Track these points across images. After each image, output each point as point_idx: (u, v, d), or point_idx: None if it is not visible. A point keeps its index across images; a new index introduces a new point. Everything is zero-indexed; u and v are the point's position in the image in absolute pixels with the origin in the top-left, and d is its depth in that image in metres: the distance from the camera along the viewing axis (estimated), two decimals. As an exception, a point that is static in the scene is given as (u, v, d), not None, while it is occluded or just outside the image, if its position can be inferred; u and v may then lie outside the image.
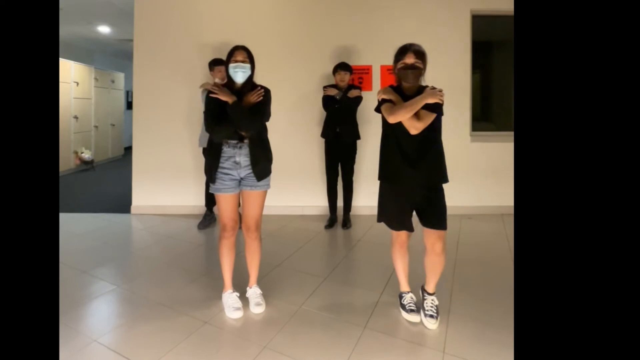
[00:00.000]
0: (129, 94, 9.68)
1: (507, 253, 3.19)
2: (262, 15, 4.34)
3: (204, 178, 3.92)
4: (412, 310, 2.18)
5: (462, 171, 4.25)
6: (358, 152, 3.89)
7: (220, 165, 2.19)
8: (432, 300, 2.18)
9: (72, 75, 7.01)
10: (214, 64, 3.70)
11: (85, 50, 8.34)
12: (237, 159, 2.19)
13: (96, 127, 7.87)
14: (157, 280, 2.70)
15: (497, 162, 4.26)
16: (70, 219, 4.13)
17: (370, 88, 4.25)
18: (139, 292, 2.50)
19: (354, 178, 3.92)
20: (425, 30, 4.24)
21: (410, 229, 2.14)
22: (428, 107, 1.94)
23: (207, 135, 2.26)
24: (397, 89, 2.08)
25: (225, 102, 2.12)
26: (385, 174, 2.11)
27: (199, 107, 3.82)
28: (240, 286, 2.42)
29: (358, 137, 3.84)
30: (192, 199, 4.35)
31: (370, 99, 3.65)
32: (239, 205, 2.31)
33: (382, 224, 2.20)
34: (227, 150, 2.19)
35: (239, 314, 2.21)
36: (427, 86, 2.04)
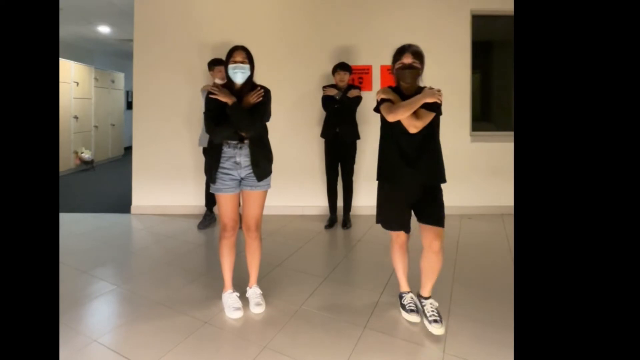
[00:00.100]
0: (129, 94, 9.68)
1: (507, 253, 3.19)
2: (262, 15, 4.34)
3: (204, 178, 3.92)
4: (412, 310, 2.18)
5: (462, 171, 4.25)
6: (358, 152, 3.89)
7: (221, 165, 2.19)
8: (432, 303, 2.13)
9: (72, 75, 7.01)
10: (214, 64, 3.70)
11: (85, 50, 8.34)
12: (238, 159, 2.19)
13: (96, 127, 7.87)
14: (157, 280, 2.70)
15: (497, 162, 4.26)
16: (70, 219, 4.13)
17: (370, 88, 4.25)
18: (139, 292, 2.50)
19: (354, 178, 3.92)
20: (425, 30, 4.25)
21: (407, 229, 2.14)
22: (427, 107, 1.95)
23: (207, 135, 2.26)
24: (396, 90, 2.08)
25: (225, 103, 2.12)
26: (384, 173, 2.12)
27: (199, 107, 3.82)
28: (240, 286, 2.42)
29: (358, 137, 3.84)
30: (192, 199, 4.35)
31: (370, 99, 3.65)
32: (239, 205, 2.31)
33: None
34: (227, 151, 2.19)
35: (239, 314, 2.21)
36: (425, 87, 2.05)
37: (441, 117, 2.07)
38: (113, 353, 1.89)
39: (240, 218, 2.31)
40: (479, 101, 4.68)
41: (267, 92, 2.22)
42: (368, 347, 1.95)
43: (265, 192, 2.28)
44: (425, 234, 2.06)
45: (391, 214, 2.13)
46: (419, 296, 2.20)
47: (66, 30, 6.68)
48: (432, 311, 2.10)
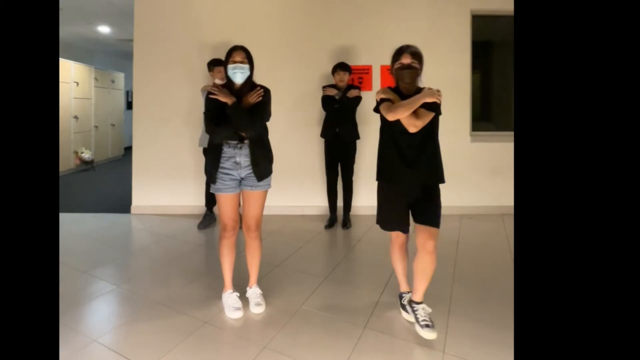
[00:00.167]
0: (129, 94, 9.68)
1: (507, 253, 3.19)
2: (261, 15, 4.34)
3: (204, 178, 3.92)
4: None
5: (462, 171, 4.25)
6: (358, 152, 3.89)
7: (221, 165, 2.19)
8: (424, 308, 2.07)
9: (72, 75, 7.01)
10: (213, 64, 3.70)
11: (85, 50, 8.34)
12: (238, 159, 2.19)
13: (96, 127, 7.87)
14: (157, 280, 2.70)
15: (497, 162, 4.26)
16: (70, 219, 4.13)
17: (370, 88, 4.25)
18: (139, 292, 2.50)
19: (354, 178, 3.92)
20: (425, 30, 4.25)
21: (405, 229, 2.13)
22: (426, 107, 1.95)
23: (207, 135, 2.26)
24: (395, 91, 2.09)
25: (225, 103, 2.12)
26: (383, 174, 2.12)
27: (199, 107, 3.82)
28: (240, 286, 2.42)
29: (357, 137, 3.84)
30: (192, 199, 4.35)
31: (370, 99, 3.65)
32: (240, 205, 2.31)
33: None
34: (227, 151, 2.19)
35: (239, 314, 2.21)
36: (425, 87, 2.05)
37: (441, 117, 2.07)
38: (113, 353, 1.89)
39: (240, 218, 2.31)
40: (479, 101, 4.68)
41: (266, 92, 2.22)
42: (368, 347, 1.95)
43: (266, 192, 2.28)
44: (419, 234, 2.03)
45: (390, 214, 2.13)
46: (411, 301, 2.13)
47: (66, 30, 6.68)
48: (425, 316, 2.04)
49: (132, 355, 1.87)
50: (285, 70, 4.29)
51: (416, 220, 2.06)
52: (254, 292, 2.34)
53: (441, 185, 2.10)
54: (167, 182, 4.37)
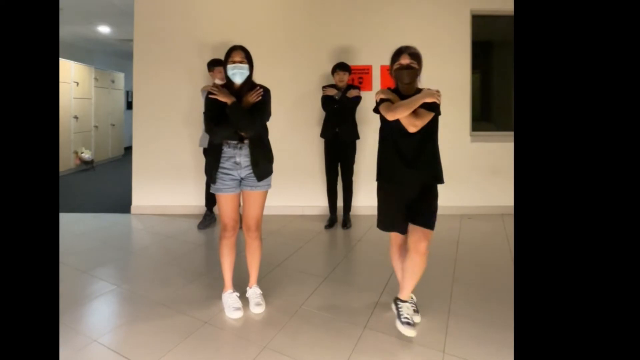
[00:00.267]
0: (129, 94, 9.68)
1: (507, 253, 3.19)
2: (261, 15, 4.34)
3: (204, 178, 3.92)
4: (413, 311, 2.18)
5: (462, 171, 4.25)
6: (357, 152, 3.89)
7: (221, 165, 2.19)
8: (407, 307, 2.09)
9: (72, 75, 7.01)
10: (213, 64, 3.70)
11: (85, 50, 8.34)
12: (238, 160, 2.19)
13: (96, 127, 7.87)
14: (157, 280, 2.70)
15: (497, 162, 4.26)
16: (70, 219, 4.13)
17: (370, 88, 4.25)
18: (139, 292, 2.50)
19: (354, 178, 3.92)
20: (425, 30, 4.25)
21: (404, 230, 2.13)
22: (426, 107, 1.96)
23: (207, 135, 2.26)
24: (395, 92, 2.10)
25: (225, 103, 2.12)
26: (383, 174, 2.12)
27: (199, 107, 3.82)
28: (240, 286, 2.42)
29: (357, 137, 3.84)
30: (192, 199, 4.35)
31: (369, 99, 3.65)
32: (240, 205, 2.31)
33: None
34: (227, 151, 2.19)
35: (239, 314, 2.21)
36: (424, 88, 2.06)
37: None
38: (113, 353, 1.89)
39: (240, 218, 2.31)
40: (479, 101, 4.68)
41: (266, 92, 2.22)
42: (368, 347, 1.95)
43: (266, 192, 2.28)
44: (412, 234, 2.02)
45: (389, 215, 2.13)
46: (397, 298, 2.15)
47: (66, 30, 6.67)
48: (407, 315, 2.05)
49: (132, 355, 1.87)
50: (285, 70, 4.29)
51: (411, 221, 2.05)
52: (254, 292, 2.34)
53: (441, 185, 2.10)
54: (167, 182, 4.37)
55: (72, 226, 3.91)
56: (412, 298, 2.25)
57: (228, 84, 2.22)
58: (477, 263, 3.00)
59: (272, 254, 3.08)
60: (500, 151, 4.25)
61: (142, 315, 2.23)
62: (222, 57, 2.27)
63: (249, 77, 2.20)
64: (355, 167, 3.90)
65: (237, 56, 2.17)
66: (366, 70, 4.30)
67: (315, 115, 4.21)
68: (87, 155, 7.24)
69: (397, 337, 2.03)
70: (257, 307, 2.26)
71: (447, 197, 4.16)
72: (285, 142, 4.20)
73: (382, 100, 2.05)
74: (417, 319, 2.15)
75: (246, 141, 2.18)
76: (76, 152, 7.14)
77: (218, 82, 3.39)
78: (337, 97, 3.71)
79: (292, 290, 2.53)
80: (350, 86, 3.78)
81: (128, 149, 8.93)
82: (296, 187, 4.34)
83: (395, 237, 2.20)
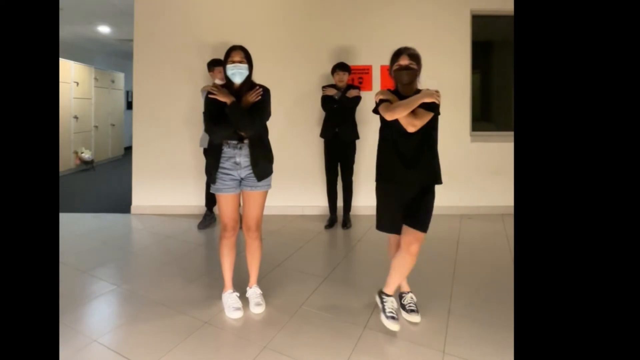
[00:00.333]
0: (129, 94, 9.68)
1: (507, 253, 3.19)
2: (261, 15, 4.34)
3: (204, 178, 3.92)
4: (412, 311, 2.18)
5: (462, 171, 4.25)
6: (357, 152, 3.89)
7: (221, 165, 2.19)
8: (392, 301, 2.12)
9: (72, 75, 7.01)
10: (213, 64, 3.70)
11: (85, 50, 8.34)
12: (237, 160, 2.19)
13: (96, 127, 7.87)
14: (157, 280, 2.70)
15: (497, 162, 4.26)
16: (70, 219, 4.13)
17: (370, 88, 4.25)
18: (139, 292, 2.50)
19: (354, 178, 3.92)
20: (426, 30, 4.25)
21: (400, 231, 2.13)
22: (425, 107, 1.96)
23: (208, 136, 2.26)
24: (395, 93, 2.10)
25: (224, 103, 2.12)
26: (382, 174, 2.12)
27: (199, 107, 3.82)
28: (240, 286, 2.42)
29: (357, 137, 3.84)
30: (192, 199, 4.35)
31: (370, 99, 3.65)
32: (240, 205, 2.31)
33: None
34: (227, 151, 2.19)
35: (239, 314, 2.21)
36: (423, 89, 2.06)
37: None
38: (113, 353, 1.89)
39: (240, 218, 2.31)
40: (479, 101, 4.68)
41: (266, 91, 2.22)
42: (368, 347, 1.95)
43: (266, 192, 2.28)
44: (405, 235, 2.03)
45: (386, 215, 2.13)
46: (381, 292, 2.17)
47: (66, 30, 6.67)
48: (391, 308, 2.08)
49: (132, 355, 1.87)
50: (285, 70, 4.29)
51: (405, 222, 2.06)
52: (254, 292, 2.34)
53: (441, 185, 2.10)
54: (167, 182, 4.37)
55: (72, 226, 3.91)
56: (412, 298, 2.25)
57: (228, 84, 2.22)
58: (477, 263, 3.00)
59: (272, 254, 3.08)
60: (500, 151, 4.25)
61: (142, 315, 2.23)
62: (222, 57, 2.27)
63: (249, 77, 2.20)
64: (355, 167, 3.90)
65: (237, 56, 2.17)
66: (366, 70, 4.30)
67: (315, 115, 4.21)
68: (87, 155, 7.24)
69: (397, 337, 2.03)
70: (257, 307, 2.26)
71: (447, 197, 4.19)
72: (285, 142, 4.20)
73: (381, 101, 2.05)
74: (417, 318, 2.16)
75: (246, 141, 2.18)
76: (76, 152, 7.14)
77: (218, 82, 3.39)
78: (336, 97, 3.71)
79: (292, 290, 2.53)
80: (350, 86, 3.78)
81: (128, 149, 8.93)
82: (296, 187, 4.34)
83: (393, 237, 2.20)
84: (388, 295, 2.14)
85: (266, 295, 2.39)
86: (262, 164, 2.21)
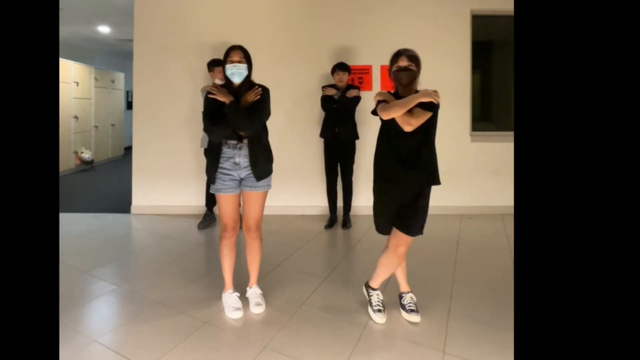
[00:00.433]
0: (129, 94, 9.68)
1: (507, 253, 3.19)
2: (262, 15, 4.34)
3: (204, 178, 3.92)
4: (412, 311, 2.18)
5: (462, 171, 4.25)
6: (357, 152, 3.89)
7: (220, 165, 2.19)
8: (377, 294, 2.23)
9: (72, 75, 7.01)
10: (213, 64, 3.70)
11: (85, 50, 8.34)
12: (237, 160, 2.19)
13: (96, 127, 7.87)
14: (157, 280, 2.70)
15: (497, 162, 4.26)
16: (70, 219, 4.13)
17: (370, 88, 4.25)
18: (139, 292, 2.50)
19: (354, 178, 3.92)
20: (426, 30, 4.25)
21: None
22: (423, 107, 1.96)
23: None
24: (395, 95, 2.11)
25: (223, 103, 2.12)
26: (379, 175, 2.13)
27: (199, 107, 3.81)
28: (240, 286, 2.42)
29: (357, 137, 3.84)
30: (192, 199, 4.35)
31: (369, 99, 3.65)
32: (240, 205, 2.31)
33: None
34: (226, 151, 2.19)
35: (239, 314, 2.21)
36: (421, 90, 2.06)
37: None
38: (113, 353, 1.89)
39: (240, 218, 2.31)
40: (479, 101, 4.68)
41: (265, 91, 2.22)
42: (368, 347, 1.95)
43: (266, 192, 2.28)
44: (393, 236, 2.10)
45: (383, 216, 2.13)
46: (368, 286, 2.27)
47: (66, 30, 6.67)
48: (378, 302, 2.20)
49: (132, 355, 1.87)
50: (285, 71, 4.29)
51: (394, 223, 2.09)
52: (254, 292, 2.34)
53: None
54: (167, 182, 4.37)
55: (72, 226, 3.91)
56: (411, 298, 2.25)
57: (227, 84, 2.22)
58: (477, 263, 3.00)
59: (272, 254, 3.08)
60: (500, 151, 4.25)
61: (142, 315, 2.23)
62: (222, 57, 2.27)
63: (248, 77, 2.20)
64: (355, 167, 3.90)
65: (236, 56, 2.17)
66: (366, 70, 4.30)
67: (315, 115, 4.21)
68: (87, 155, 7.24)
69: (397, 337, 2.03)
70: (257, 307, 2.26)
71: (447, 197, 4.19)
72: (285, 142, 4.20)
73: (379, 102, 2.06)
74: (417, 318, 2.16)
75: (245, 141, 2.18)
76: (76, 152, 7.14)
77: (218, 82, 3.39)
78: (336, 97, 3.71)
79: (292, 290, 2.53)
80: (349, 86, 3.78)
81: (128, 149, 8.93)
82: (296, 187, 4.34)
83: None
84: (373, 289, 2.24)
85: (266, 295, 2.39)
86: (262, 164, 2.20)
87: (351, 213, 3.99)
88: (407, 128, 1.97)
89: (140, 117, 4.39)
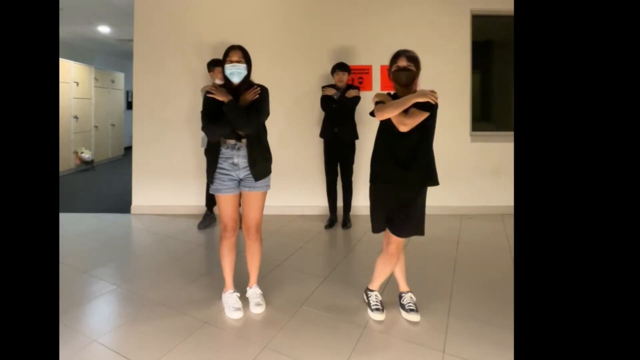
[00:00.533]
0: (129, 94, 9.68)
1: (507, 253, 3.19)
2: (262, 15, 4.34)
3: (204, 178, 3.91)
4: (411, 310, 2.18)
5: (462, 171, 4.25)
6: (357, 152, 3.89)
7: (219, 165, 2.19)
8: (376, 295, 2.26)
9: (72, 75, 7.01)
10: (213, 64, 3.70)
11: (85, 50, 8.34)
12: (235, 161, 2.18)
13: (96, 127, 7.86)
14: (157, 280, 2.70)
15: (497, 162, 4.26)
16: (70, 219, 4.13)
17: (370, 88, 4.25)
18: (139, 292, 2.50)
19: (353, 178, 3.92)
20: (426, 30, 4.25)
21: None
22: (420, 107, 1.95)
23: (208, 136, 2.26)
24: (395, 97, 2.10)
25: (222, 102, 2.12)
26: (376, 175, 2.13)
27: (199, 107, 3.81)
28: (240, 286, 2.42)
29: (356, 137, 3.84)
30: (192, 199, 4.35)
31: (369, 99, 3.65)
32: (240, 205, 2.31)
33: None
34: (225, 152, 2.19)
35: (239, 314, 2.21)
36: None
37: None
38: (113, 353, 1.89)
39: (240, 218, 2.31)
40: (479, 101, 4.68)
41: (263, 90, 2.21)
42: (368, 347, 1.95)
43: (265, 193, 2.27)
44: (386, 235, 2.17)
45: (380, 215, 2.14)
46: (367, 289, 2.30)
47: (66, 30, 6.67)
48: (376, 302, 2.24)
49: (132, 355, 1.87)
50: (285, 71, 4.29)
51: (387, 224, 2.12)
52: (254, 292, 2.34)
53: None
54: (167, 182, 4.37)
55: (72, 226, 3.91)
56: (411, 297, 2.25)
57: (227, 84, 2.22)
58: (477, 263, 3.00)
59: (272, 254, 3.08)
60: (500, 151, 4.25)
61: (142, 315, 2.23)
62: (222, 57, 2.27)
63: (247, 77, 2.20)
64: (355, 167, 3.90)
65: (235, 56, 2.17)
66: (366, 71, 4.30)
67: (315, 115, 4.21)
68: (87, 155, 7.24)
69: (397, 337, 2.03)
70: (257, 307, 2.26)
71: (447, 197, 4.19)
72: (285, 142, 4.21)
73: (377, 103, 2.06)
74: (416, 318, 2.16)
75: (244, 141, 2.18)
76: (76, 152, 7.14)
77: (218, 82, 3.38)
78: (335, 97, 3.71)
79: (292, 290, 2.53)
80: (349, 86, 3.78)
81: (128, 149, 8.92)
82: (296, 187, 4.34)
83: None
84: (372, 291, 2.27)
85: (266, 295, 2.39)
86: (260, 163, 2.20)
87: (351, 213, 3.99)
88: (402, 128, 1.97)
89: (140, 117, 4.39)
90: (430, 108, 1.97)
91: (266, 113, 2.23)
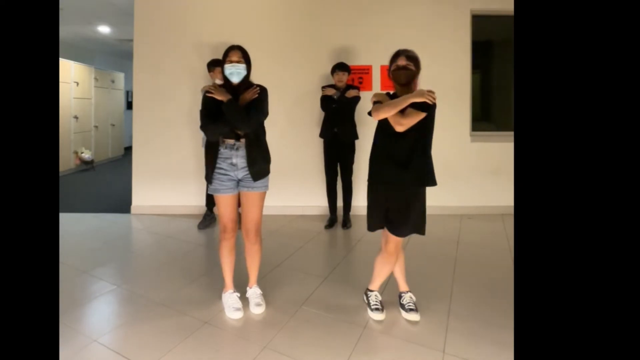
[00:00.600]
0: (129, 94, 9.68)
1: (507, 253, 3.19)
2: (262, 15, 4.34)
3: (204, 178, 3.92)
4: (411, 310, 2.18)
5: (462, 171, 4.25)
6: (357, 152, 3.88)
7: (218, 166, 2.19)
8: (376, 295, 2.27)
9: (72, 75, 7.01)
10: (213, 64, 3.71)
11: (85, 50, 8.34)
12: (234, 161, 2.18)
13: (96, 127, 7.86)
14: (157, 280, 2.70)
15: (497, 162, 4.26)
16: (70, 219, 4.13)
17: (370, 88, 4.25)
18: (139, 292, 2.50)
19: (353, 178, 3.91)
20: (426, 30, 4.25)
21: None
22: (418, 107, 1.95)
23: (208, 136, 2.26)
24: (394, 96, 2.10)
25: (221, 101, 2.12)
26: (374, 175, 2.13)
27: (199, 107, 3.82)
28: (240, 286, 2.42)
29: (356, 137, 3.84)
30: (192, 199, 4.35)
31: (369, 99, 3.66)
32: (239, 206, 2.31)
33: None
34: (224, 152, 2.19)
35: (239, 314, 2.21)
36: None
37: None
38: (113, 353, 1.89)
39: (240, 219, 2.31)
40: (479, 101, 4.68)
41: (263, 90, 2.21)
42: (368, 347, 1.95)
43: (263, 193, 2.27)
44: (383, 234, 2.17)
45: (378, 215, 2.14)
46: (367, 289, 2.30)
47: (66, 30, 6.67)
48: (376, 301, 2.24)
49: (132, 355, 1.87)
50: (285, 71, 4.29)
51: (385, 223, 2.12)
52: (254, 292, 2.34)
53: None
54: (167, 182, 4.37)
55: (72, 226, 3.91)
56: (410, 297, 2.25)
57: (226, 84, 2.22)
58: (477, 263, 3.00)
59: (272, 254, 3.08)
60: (500, 151, 4.25)
61: (142, 315, 2.23)
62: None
63: (247, 77, 2.20)
64: (355, 167, 3.90)
65: (235, 56, 2.17)
66: (366, 71, 4.30)
67: (315, 115, 4.21)
68: (87, 155, 7.24)
69: (397, 337, 2.03)
70: (257, 308, 2.26)
71: (447, 197, 4.19)
72: (285, 142, 4.21)
73: (374, 103, 2.07)
74: (416, 317, 2.16)
75: (242, 141, 2.18)
76: (76, 152, 7.14)
77: (218, 82, 3.38)
78: (335, 97, 3.71)
79: (292, 290, 2.53)
80: (349, 86, 3.78)
81: (128, 149, 8.92)
82: (296, 187, 4.34)
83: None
84: (371, 291, 2.27)
85: (266, 295, 2.39)
86: (259, 163, 2.20)
87: (351, 213, 3.99)
88: (399, 128, 1.97)
89: (140, 117, 4.39)
90: (428, 108, 1.96)
91: (265, 113, 2.22)
